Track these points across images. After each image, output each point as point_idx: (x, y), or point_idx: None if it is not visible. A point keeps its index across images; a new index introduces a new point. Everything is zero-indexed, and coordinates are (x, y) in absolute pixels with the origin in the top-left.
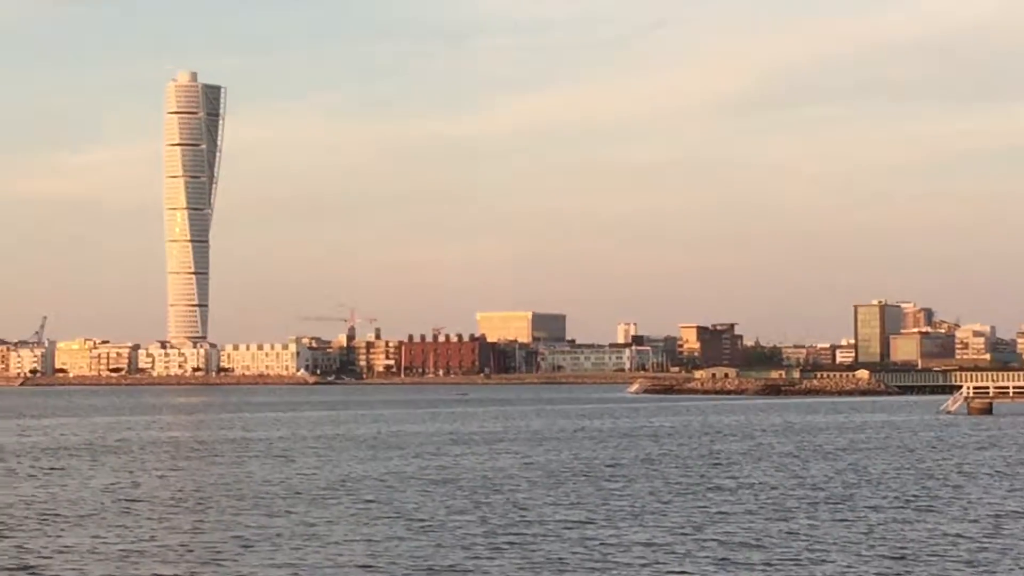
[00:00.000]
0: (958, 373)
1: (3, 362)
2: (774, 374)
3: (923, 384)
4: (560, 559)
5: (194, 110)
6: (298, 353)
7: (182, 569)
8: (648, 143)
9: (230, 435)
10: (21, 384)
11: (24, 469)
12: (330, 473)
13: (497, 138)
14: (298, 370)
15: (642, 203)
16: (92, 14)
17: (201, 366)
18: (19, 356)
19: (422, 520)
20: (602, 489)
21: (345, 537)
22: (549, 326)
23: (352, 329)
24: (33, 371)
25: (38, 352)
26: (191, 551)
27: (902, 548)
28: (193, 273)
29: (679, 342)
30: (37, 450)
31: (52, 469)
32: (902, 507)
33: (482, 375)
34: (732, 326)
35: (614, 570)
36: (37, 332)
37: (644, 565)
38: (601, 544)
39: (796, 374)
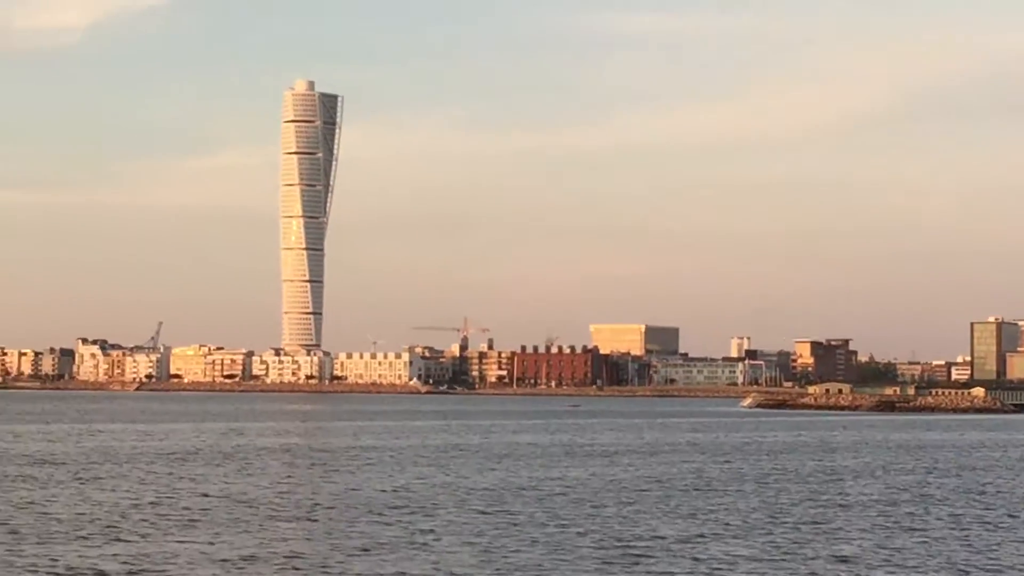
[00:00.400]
0: None
1: (119, 367)
2: (888, 390)
3: None
4: (669, 574)
5: (311, 119)
6: (411, 362)
7: None
8: (771, 160)
9: (343, 443)
10: (136, 389)
11: (137, 474)
12: (441, 482)
13: (616, 149)
14: (411, 379)
15: (761, 219)
16: (210, 23)
17: (314, 374)
18: (135, 361)
19: (532, 531)
20: (714, 503)
21: (454, 547)
22: (662, 339)
23: (465, 339)
24: (148, 376)
25: (153, 358)
26: (301, 558)
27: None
28: (308, 281)
29: (793, 357)
30: (151, 455)
31: (167, 474)
32: (1017, 527)
33: (594, 387)
34: (847, 342)
35: None
36: (153, 338)
37: None
38: (710, 558)
39: (911, 391)
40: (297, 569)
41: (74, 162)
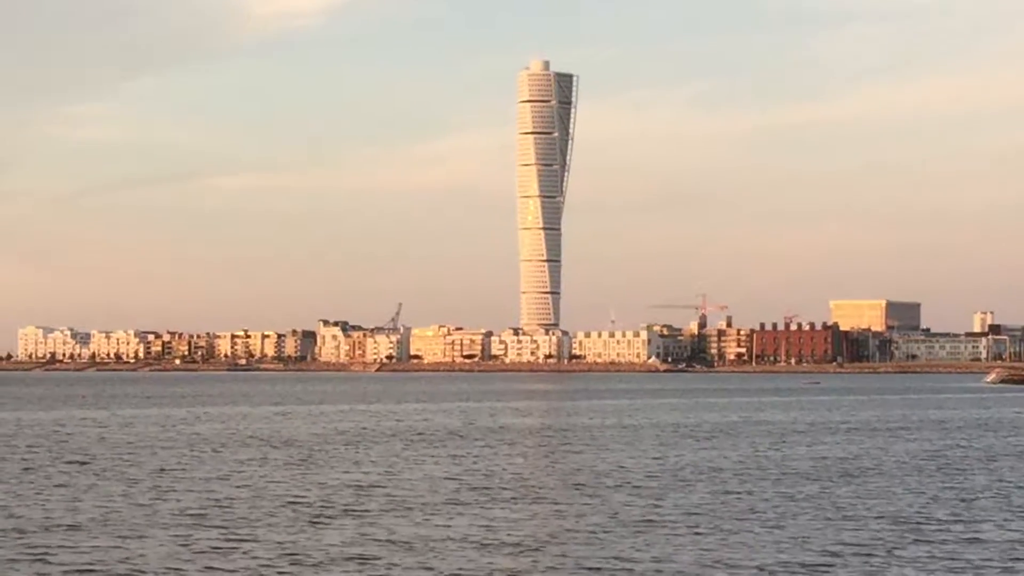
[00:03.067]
0: None
1: (360, 348)
2: None
3: None
4: (916, 560)
5: (547, 98)
6: (649, 340)
7: (522, 563)
8: (1013, 131)
9: (581, 422)
10: (377, 370)
11: (374, 456)
12: (677, 462)
13: (855, 125)
14: (649, 358)
15: (1005, 191)
16: (444, 6)
17: (553, 353)
18: (375, 342)
19: (771, 513)
20: (966, 484)
21: (690, 529)
22: (903, 315)
23: (703, 317)
24: (389, 357)
25: (394, 338)
26: (536, 538)
27: None
28: (545, 261)
29: None
30: (388, 436)
31: (405, 456)
32: None
33: (835, 364)
34: None
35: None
36: (393, 319)
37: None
38: (962, 541)
39: None
40: (526, 551)
41: (315, 147)
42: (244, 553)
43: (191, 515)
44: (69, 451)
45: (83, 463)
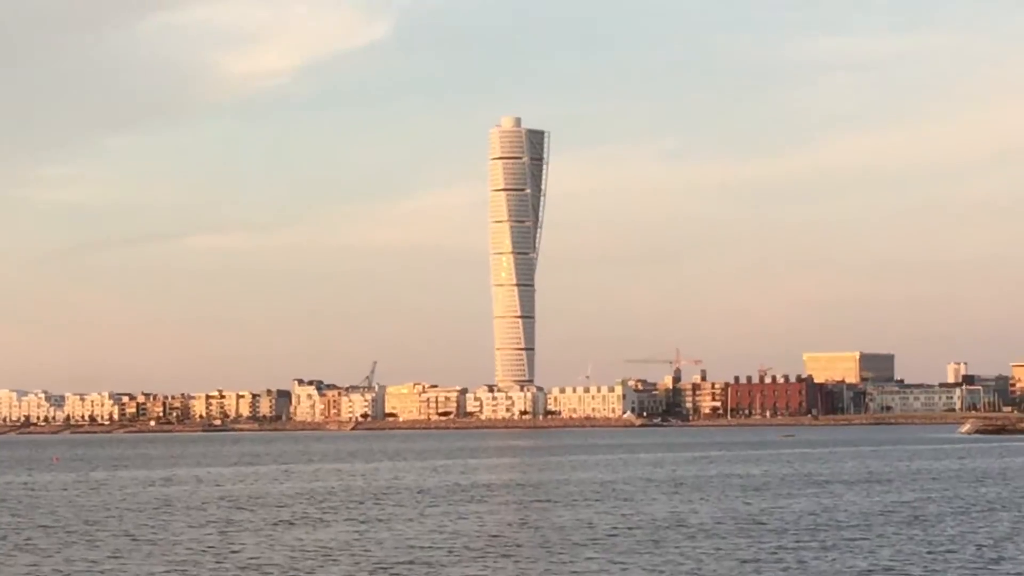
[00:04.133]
0: None
1: (335, 407)
2: None
3: None
4: None
5: (519, 155)
6: (624, 395)
7: None
8: (985, 181)
9: (560, 477)
10: (352, 428)
11: (343, 516)
12: (665, 516)
13: (826, 176)
14: (624, 412)
15: (977, 243)
16: (414, 64)
17: (528, 409)
18: (350, 401)
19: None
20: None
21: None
22: (877, 366)
23: (678, 371)
24: (364, 415)
25: (369, 397)
26: None
27: None
28: (520, 317)
29: (1011, 381)
30: (358, 496)
31: (374, 516)
32: None
33: (809, 416)
34: None
35: None
36: (367, 377)
37: None
38: None
39: None
40: None
41: (288, 206)
42: None
43: None
44: (38, 514)
45: (48, 527)
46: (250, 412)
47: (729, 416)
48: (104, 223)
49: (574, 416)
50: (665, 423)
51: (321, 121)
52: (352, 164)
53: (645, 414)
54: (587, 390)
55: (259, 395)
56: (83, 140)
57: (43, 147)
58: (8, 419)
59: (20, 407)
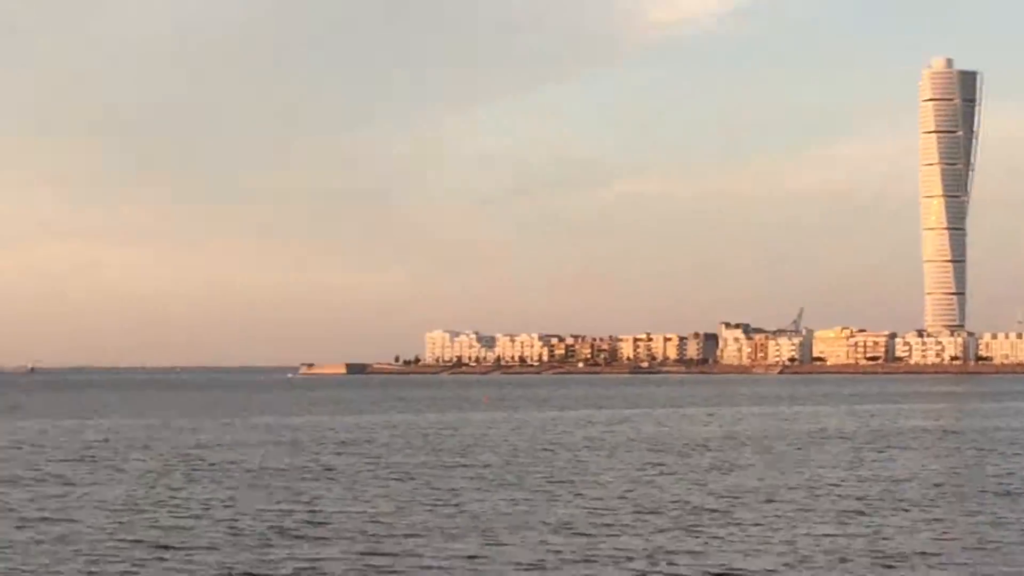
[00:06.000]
0: None
1: (762, 350)
2: None
3: None
4: None
5: (950, 97)
6: None
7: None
8: None
9: (984, 424)
10: (779, 372)
11: (724, 459)
12: None
13: None
14: None
15: None
16: (843, 6)
17: (959, 355)
18: (777, 344)
19: None
20: None
21: None
22: None
23: None
24: (791, 359)
25: (796, 341)
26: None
27: None
28: (950, 261)
29: None
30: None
31: (845, 456)
32: None
33: None
34: None
35: None
36: (795, 321)
37: None
38: None
39: None
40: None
41: (718, 151)
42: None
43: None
44: (445, 451)
45: (493, 466)
46: (677, 355)
47: None
48: (532, 169)
49: (1007, 362)
50: None
51: (745, 68)
52: (780, 109)
53: None
54: (1020, 336)
55: (686, 338)
56: (512, 90)
57: (485, 99)
58: (441, 359)
59: (453, 347)
